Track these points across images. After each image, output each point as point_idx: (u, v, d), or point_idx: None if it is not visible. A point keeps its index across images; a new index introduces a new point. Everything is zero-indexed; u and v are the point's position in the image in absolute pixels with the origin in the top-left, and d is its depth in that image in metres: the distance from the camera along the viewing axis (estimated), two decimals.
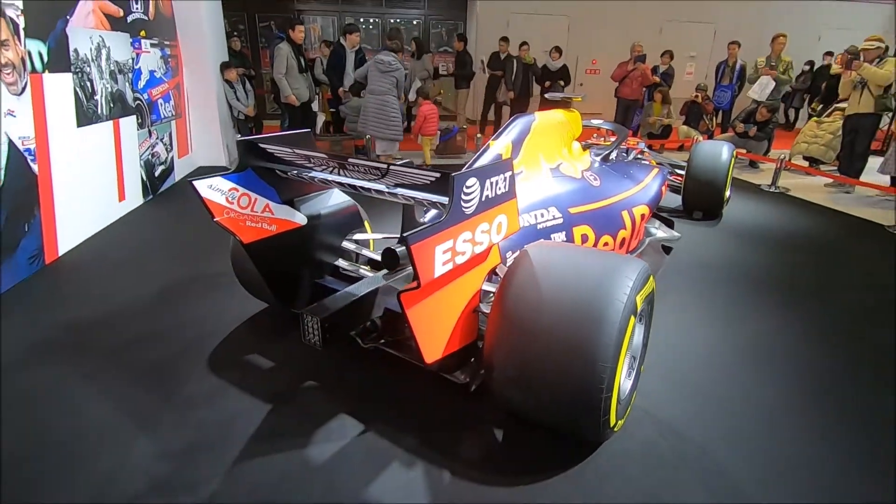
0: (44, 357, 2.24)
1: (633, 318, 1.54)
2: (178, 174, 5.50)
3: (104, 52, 3.97)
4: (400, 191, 1.65)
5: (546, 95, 3.89)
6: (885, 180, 5.60)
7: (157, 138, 4.99)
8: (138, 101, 4.58)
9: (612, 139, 4.48)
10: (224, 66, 6.09)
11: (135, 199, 4.47)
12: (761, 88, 6.90)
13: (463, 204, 1.44)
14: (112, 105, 4.08)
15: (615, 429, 1.67)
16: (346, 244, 2.37)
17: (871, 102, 5.41)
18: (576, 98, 3.32)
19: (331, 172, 1.79)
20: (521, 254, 1.75)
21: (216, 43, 6.21)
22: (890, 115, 5.70)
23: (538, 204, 2.50)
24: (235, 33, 8.28)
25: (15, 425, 1.82)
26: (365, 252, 2.36)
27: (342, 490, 1.59)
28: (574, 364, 1.49)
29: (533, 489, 1.60)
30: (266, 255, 2.03)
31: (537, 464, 1.71)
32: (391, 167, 1.58)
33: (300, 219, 2.12)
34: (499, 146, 2.59)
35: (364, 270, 2.29)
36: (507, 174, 1.61)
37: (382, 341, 2.05)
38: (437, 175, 1.51)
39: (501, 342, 1.62)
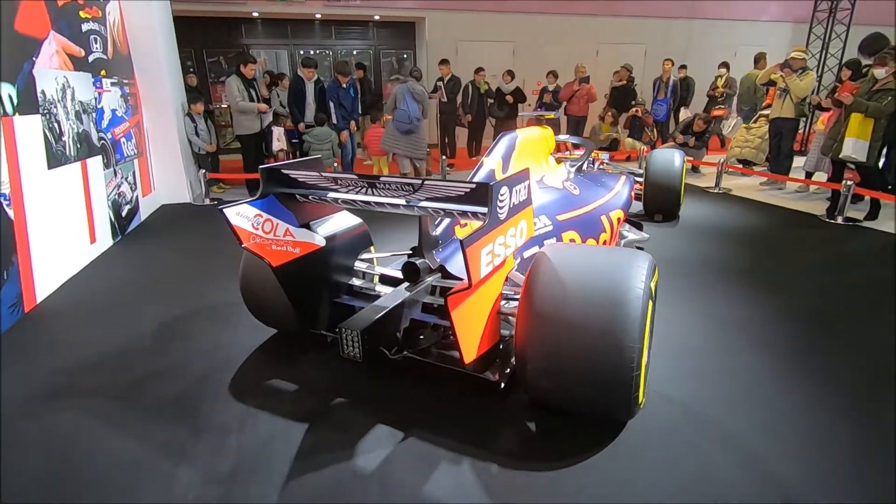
0: (53, 402, 2.16)
1: (650, 301, 1.73)
2: (143, 213, 5.35)
3: (69, 92, 3.88)
4: (431, 204, 1.77)
5: (522, 114, 4.25)
6: (816, 176, 6.27)
7: (122, 177, 4.86)
8: (103, 141, 4.47)
9: (578, 152, 4.80)
10: (192, 100, 6.05)
11: (105, 240, 4.32)
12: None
13: (498, 210, 1.58)
14: (79, 146, 3.97)
15: (641, 405, 1.83)
16: (357, 263, 2.46)
17: (791, 108, 6.09)
18: (549, 115, 3.58)
19: (356, 192, 1.89)
20: (538, 255, 1.91)
21: (173, 80, 6.14)
22: (806, 119, 6.39)
23: None
24: (192, 69, 8.18)
25: (46, 469, 1.77)
26: (379, 269, 2.44)
27: (397, 492, 1.65)
28: (604, 348, 1.65)
29: (575, 470, 1.73)
30: (291, 278, 2.08)
31: (573, 447, 1.84)
32: (425, 181, 1.71)
33: (319, 240, 2.19)
34: (491, 163, 2.78)
35: (380, 287, 2.38)
36: (526, 182, 1.78)
37: (407, 351, 2.14)
38: (472, 186, 1.65)
39: (533, 337, 1.76)
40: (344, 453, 1.83)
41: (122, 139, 4.96)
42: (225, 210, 1.83)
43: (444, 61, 8.24)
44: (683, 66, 8.82)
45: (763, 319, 2.88)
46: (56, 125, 3.63)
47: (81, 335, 2.80)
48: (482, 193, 1.61)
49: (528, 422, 2.00)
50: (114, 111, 4.79)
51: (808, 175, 6.20)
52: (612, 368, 1.66)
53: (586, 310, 1.69)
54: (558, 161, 3.83)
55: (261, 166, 2.01)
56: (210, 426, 1.99)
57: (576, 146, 5.02)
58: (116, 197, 4.67)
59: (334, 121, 6.52)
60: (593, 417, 1.93)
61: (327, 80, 7.05)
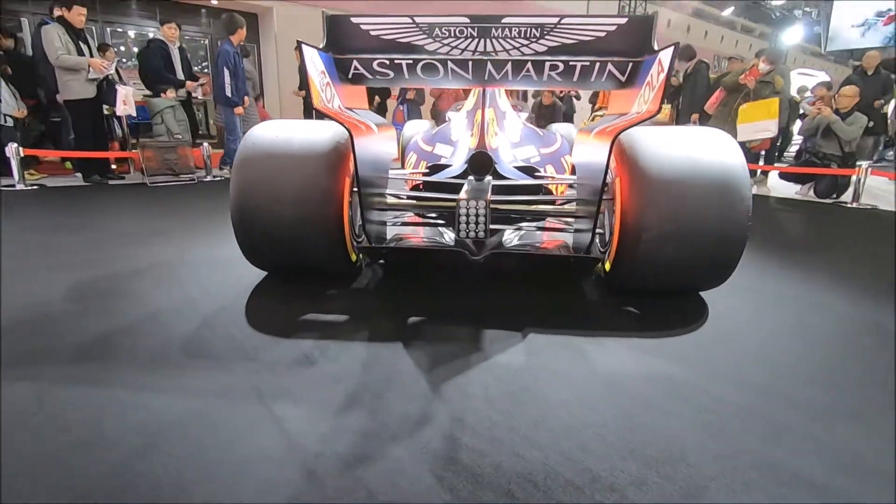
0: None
1: None
2: None
3: None
4: (569, 57, 1.52)
5: None
6: None
7: None
8: None
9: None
10: None
11: None
12: None
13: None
14: None
15: None
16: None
17: None
18: None
19: (452, 51, 1.56)
20: (624, 137, 1.82)
21: None
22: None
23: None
24: None
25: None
26: (418, 176, 2.07)
27: (576, 373, 1.39)
28: (727, 201, 1.66)
29: (702, 333, 1.72)
30: (363, 161, 1.60)
31: (684, 319, 1.81)
32: (563, 18, 1.49)
33: (373, 125, 1.77)
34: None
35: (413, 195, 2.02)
36: None
37: (494, 249, 1.87)
38: (625, 19, 1.50)
39: (650, 204, 1.68)
40: (477, 357, 1.49)
41: None
42: (305, 46, 1.34)
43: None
44: None
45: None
46: None
47: None
48: (643, 25, 1.48)
49: (626, 307, 1.90)
50: None
51: None
52: (732, 222, 1.68)
53: (703, 170, 1.69)
54: None
55: (327, 13, 1.53)
56: (275, 364, 1.42)
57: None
58: None
59: (228, 93, 5.33)
60: (694, 287, 1.94)
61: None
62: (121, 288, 2.01)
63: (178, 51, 5.40)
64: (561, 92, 8.96)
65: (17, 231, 2.97)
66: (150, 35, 9.18)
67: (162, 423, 1.13)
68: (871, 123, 5.76)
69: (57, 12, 4.69)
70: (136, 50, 9.22)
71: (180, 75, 5.41)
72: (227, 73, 5.27)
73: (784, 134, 7.42)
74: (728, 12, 17.79)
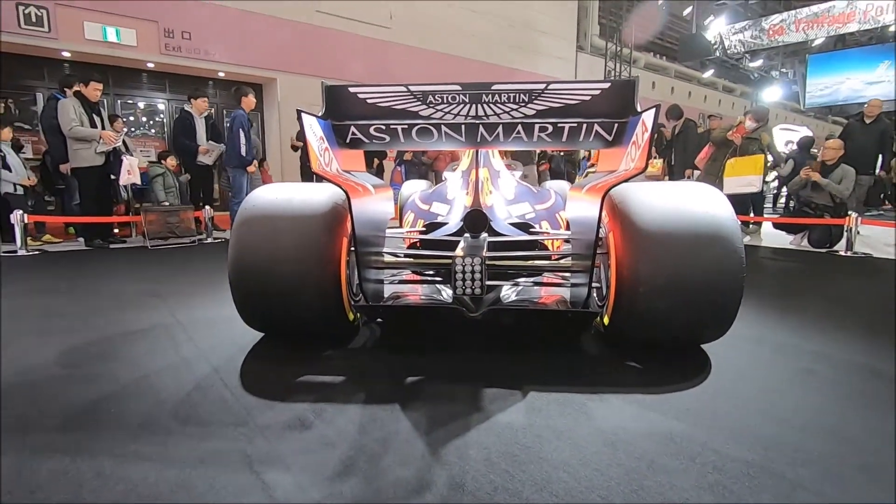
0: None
1: None
2: None
3: None
4: (556, 120, 1.59)
5: None
6: None
7: None
8: None
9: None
10: None
11: None
12: None
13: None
14: None
15: None
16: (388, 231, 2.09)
17: None
18: None
19: (445, 115, 1.63)
20: (614, 193, 1.87)
21: None
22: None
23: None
24: None
25: None
26: (414, 235, 2.11)
27: (581, 437, 1.35)
28: (720, 255, 1.66)
29: (705, 389, 1.68)
30: (360, 222, 1.63)
31: (685, 375, 1.77)
32: (549, 84, 1.57)
33: (370, 187, 1.82)
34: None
35: (409, 255, 2.04)
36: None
37: (492, 305, 1.86)
38: (608, 83, 1.58)
39: (645, 257, 1.69)
40: (477, 416, 1.45)
41: None
42: (304, 114, 1.41)
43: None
44: None
45: None
46: None
47: None
48: (626, 88, 1.56)
49: (628, 361, 1.87)
50: None
51: None
52: (727, 273, 1.68)
53: (694, 222, 1.71)
54: None
55: (326, 83, 1.61)
56: (268, 428, 1.38)
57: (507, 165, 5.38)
58: None
59: (243, 152, 5.60)
60: (694, 339, 1.91)
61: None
62: (114, 351, 1.99)
63: (203, 120, 5.89)
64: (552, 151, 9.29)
65: (11, 296, 2.97)
66: (160, 106, 9.74)
67: (143, 495, 1.08)
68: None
69: (73, 87, 4.98)
70: (144, 119, 9.74)
71: (202, 142, 5.89)
72: (242, 135, 5.55)
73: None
74: (709, 74, 18.76)
